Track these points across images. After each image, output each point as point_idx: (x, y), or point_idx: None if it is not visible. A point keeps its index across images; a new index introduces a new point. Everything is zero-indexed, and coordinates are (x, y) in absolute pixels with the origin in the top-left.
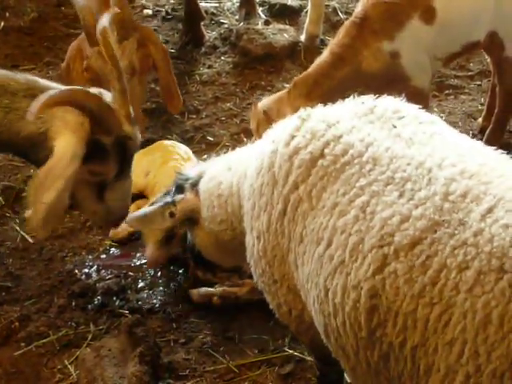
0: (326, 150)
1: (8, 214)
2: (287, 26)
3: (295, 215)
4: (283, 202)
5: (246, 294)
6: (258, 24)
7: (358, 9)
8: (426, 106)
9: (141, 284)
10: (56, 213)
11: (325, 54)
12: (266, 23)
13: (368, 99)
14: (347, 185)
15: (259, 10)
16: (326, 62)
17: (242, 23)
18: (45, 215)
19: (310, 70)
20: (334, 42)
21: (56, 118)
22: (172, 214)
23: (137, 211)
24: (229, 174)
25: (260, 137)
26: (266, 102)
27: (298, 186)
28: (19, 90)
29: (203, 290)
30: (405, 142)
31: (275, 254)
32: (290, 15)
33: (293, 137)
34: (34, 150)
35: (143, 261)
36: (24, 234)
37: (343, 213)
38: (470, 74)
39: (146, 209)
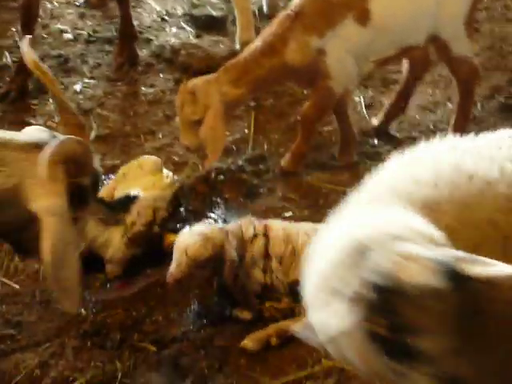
0: None
1: None
2: (220, 37)
3: None
4: None
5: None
6: (189, 37)
7: (295, 2)
8: (329, 108)
9: (155, 313)
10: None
11: (257, 42)
12: (198, 36)
13: None
14: None
15: (184, 23)
16: (257, 51)
17: (172, 39)
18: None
19: (241, 55)
20: (267, 31)
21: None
22: None
23: None
24: None
25: (184, 115)
26: (194, 81)
27: None
28: None
29: (256, 335)
30: None
31: None
32: (217, 26)
33: None
34: None
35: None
36: (5, 280)
37: None
38: None
39: None
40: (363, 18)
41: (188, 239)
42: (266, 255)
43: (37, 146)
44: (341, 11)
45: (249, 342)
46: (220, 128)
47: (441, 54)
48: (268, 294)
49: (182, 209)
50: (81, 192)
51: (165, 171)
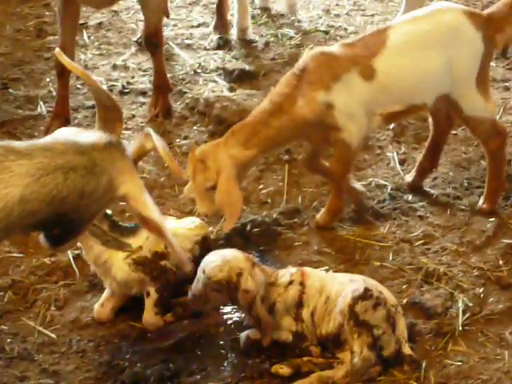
0: None
1: (21, 309)
2: (253, 91)
3: None
4: None
5: (342, 378)
6: (222, 91)
7: (299, 61)
8: (351, 159)
9: (193, 365)
10: None
11: (264, 103)
12: (231, 89)
13: None
14: None
15: (217, 76)
16: (265, 111)
17: (206, 92)
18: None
19: (248, 117)
20: (274, 91)
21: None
22: None
23: None
24: None
25: (197, 184)
26: (202, 149)
27: None
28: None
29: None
30: None
31: None
32: (249, 80)
33: None
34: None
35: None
36: (41, 329)
37: None
38: None
39: None
40: (368, 74)
41: (210, 258)
42: (300, 303)
43: (111, 144)
44: (345, 65)
45: None
46: (235, 191)
47: (454, 113)
48: (298, 343)
49: None
50: None
51: (198, 220)
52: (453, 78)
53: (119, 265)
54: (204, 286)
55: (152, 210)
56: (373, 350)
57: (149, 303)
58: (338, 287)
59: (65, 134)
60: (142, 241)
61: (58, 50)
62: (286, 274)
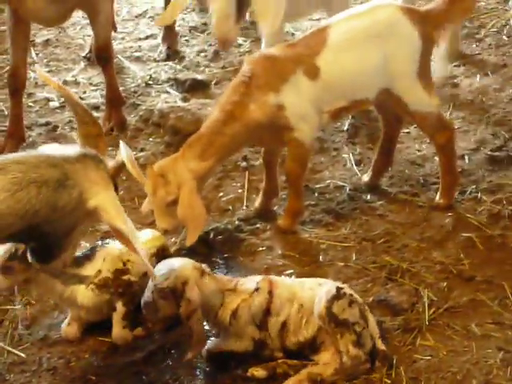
0: None
1: None
2: (207, 100)
3: None
4: None
5: (331, 376)
6: (176, 102)
7: (244, 68)
8: (306, 158)
9: (166, 376)
10: None
11: (215, 113)
12: (185, 99)
13: None
14: None
15: (169, 87)
16: (218, 120)
17: (159, 103)
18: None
19: (202, 129)
20: (223, 101)
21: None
22: None
23: None
24: None
25: (158, 199)
26: (161, 164)
27: None
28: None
29: (291, 381)
30: None
31: None
32: (202, 89)
33: None
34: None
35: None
36: (10, 348)
37: None
38: None
39: None
40: (313, 72)
41: (159, 266)
42: (267, 311)
43: (85, 156)
44: (290, 66)
45: None
46: (197, 205)
47: (400, 109)
48: (259, 351)
49: None
50: None
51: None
52: (391, 73)
53: (83, 293)
54: (152, 294)
55: (122, 221)
56: (359, 346)
57: (117, 317)
58: (309, 293)
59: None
60: (100, 264)
61: (37, 67)
62: (251, 281)
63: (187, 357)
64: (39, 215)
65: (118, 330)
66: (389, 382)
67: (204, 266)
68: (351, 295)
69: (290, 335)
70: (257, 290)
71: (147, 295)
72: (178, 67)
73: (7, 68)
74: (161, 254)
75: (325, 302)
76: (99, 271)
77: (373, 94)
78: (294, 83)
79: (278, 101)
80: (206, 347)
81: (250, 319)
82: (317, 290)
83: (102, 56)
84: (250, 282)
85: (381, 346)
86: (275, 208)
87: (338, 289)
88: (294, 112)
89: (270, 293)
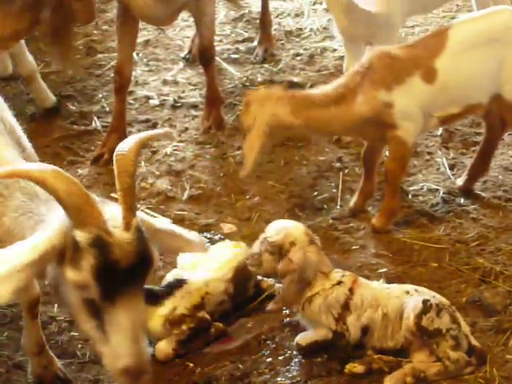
0: None
1: None
2: None
3: None
4: None
5: (434, 375)
6: None
7: (364, 59)
8: (407, 158)
9: (261, 366)
10: None
11: (328, 88)
12: None
13: None
14: None
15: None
16: (327, 96)
17: None
18: None
19: (313, 92)
20: (337, 82)
21: None
22: None
23: None
24: None
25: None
26: (256, 93)
27: None
28: None
29: (394, 376)
30: None
31: None
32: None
33: None
34: None
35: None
36: None
37: None
38: None
39: None
40: (430, 76)
41: (276, 222)
42: (346, 307)
43: None
44: (409, 68)
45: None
46: (255, 149)
47: (507, 114)
48: (337, 341)
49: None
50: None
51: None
52: (504, 78)
53: (154, 328)
54: (261, 245)
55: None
56: (459, 349)
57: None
58: (396, 302)
59: None
60: (177, 301)
61: None
62: (339, 273)
63: (268, 308)
64: None
65: (166, 348)
66: (483, 382)
67: (316, 237)
68: (437, 305)
69: (375, 341)
70: (339, 283)
71: (257, 246)
72: (274, 70)
73: (108, 66)
74: (237, 277)
75: (413, 319)
76: (174, 308)
77: (486, 98)
78: (409, 85)
79: (388, 99)
80: (296, 340)
81: (325, 308)
82: (403, 298)
83: (205, 56)
84: (338, 274)
85: (475, 342)
86: (369, 208)
87: (425, 302)
88: (402, 111)
89: (351, 290)
